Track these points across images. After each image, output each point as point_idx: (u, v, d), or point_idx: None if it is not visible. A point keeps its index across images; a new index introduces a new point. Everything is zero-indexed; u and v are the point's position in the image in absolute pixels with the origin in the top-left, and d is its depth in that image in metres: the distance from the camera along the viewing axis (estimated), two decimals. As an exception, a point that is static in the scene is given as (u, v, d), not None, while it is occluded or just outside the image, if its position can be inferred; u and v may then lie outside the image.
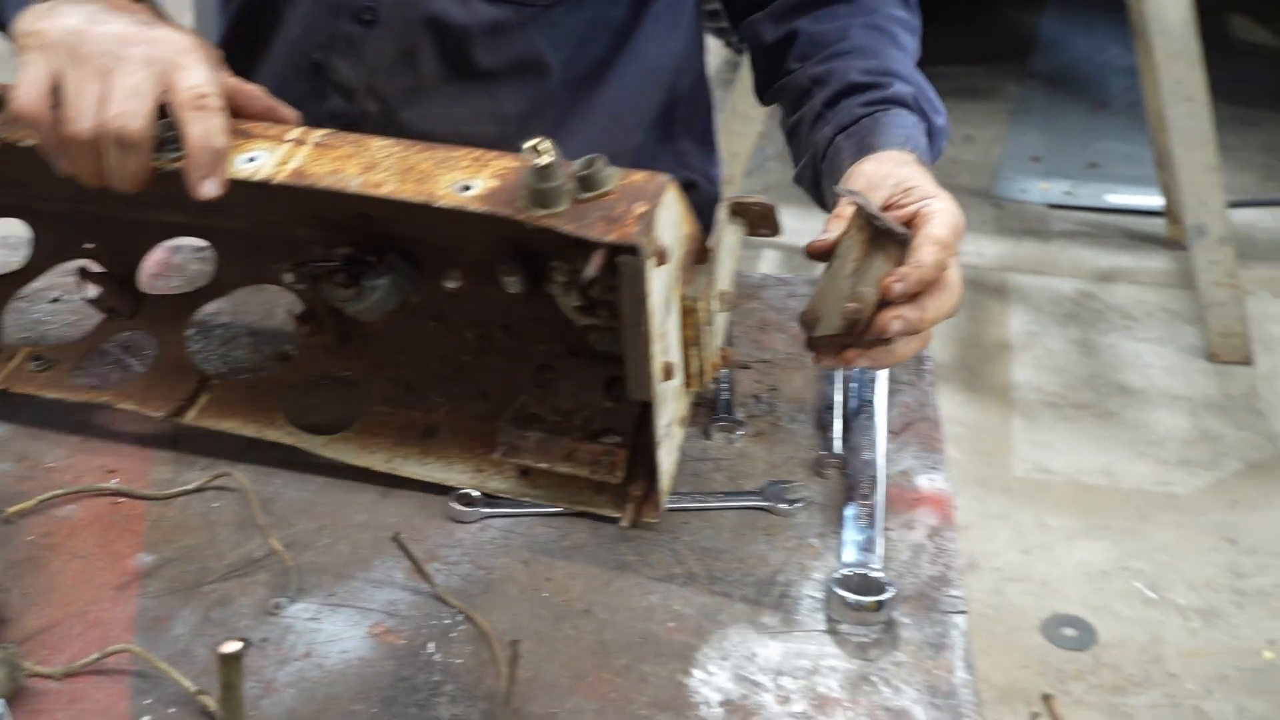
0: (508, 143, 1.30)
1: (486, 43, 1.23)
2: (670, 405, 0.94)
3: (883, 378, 1.13)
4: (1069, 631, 2.51)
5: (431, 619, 0.90)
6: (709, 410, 1.10)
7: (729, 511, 1.00)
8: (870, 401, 1.10)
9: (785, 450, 1.07)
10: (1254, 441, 3.12)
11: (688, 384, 0.97)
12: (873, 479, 1.01)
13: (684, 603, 0.92)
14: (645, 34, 1.29)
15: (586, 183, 0.86)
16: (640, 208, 0.85)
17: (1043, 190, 4.47)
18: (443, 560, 0.96)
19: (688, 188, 1.40)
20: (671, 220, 0.89)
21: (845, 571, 0.91)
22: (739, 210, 0.99)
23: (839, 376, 1.12)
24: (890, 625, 0.89)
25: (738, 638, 0.88)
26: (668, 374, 0.91)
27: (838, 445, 1.06)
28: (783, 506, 1.00)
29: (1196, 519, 2.84)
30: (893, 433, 1.08)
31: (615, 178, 0.88)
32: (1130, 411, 3.24)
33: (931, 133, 1.12)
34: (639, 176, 0.89)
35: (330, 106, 1.26)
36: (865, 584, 0.90)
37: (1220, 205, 3.29)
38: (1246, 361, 3.38)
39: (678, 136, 1.40)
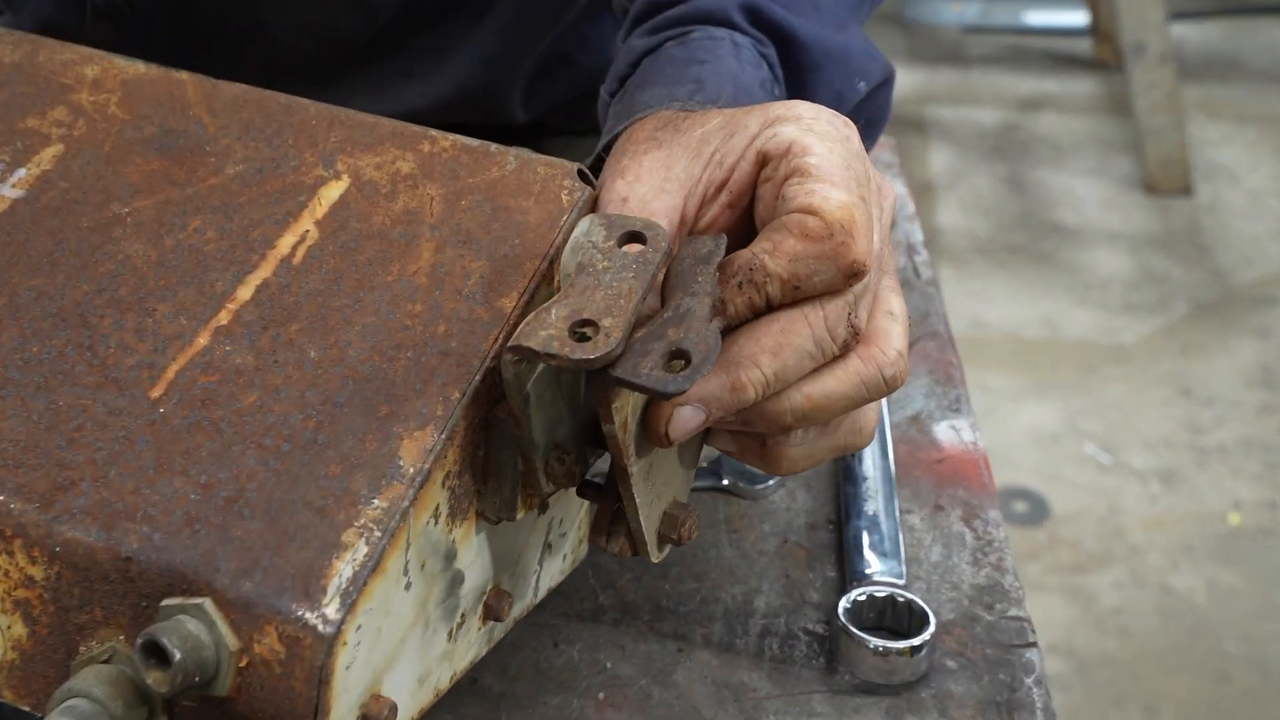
0: (374, 49, 0.84)
1: None
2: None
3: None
4: (1020, 506, 2.28)
5: None
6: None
7: (673, 497, 0.69)
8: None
9: (744, 393, 0.75)
10: (1201, 279, 2.89)
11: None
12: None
13: (618, 654, 0.61)
14: None
15: (201, 688, 0.46)
16: None
17: (955, 12, 4.15)
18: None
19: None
20: (370, 656, 0.48)
21: (858, 594, 0.61)
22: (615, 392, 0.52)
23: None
24: (929, 675, 0.59)
25: (705, 707, 0.58)
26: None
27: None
28: (751, 486, 0.69)
29: (1147, 370, 2.62)
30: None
31: (228, 668, 0.45)
32: (1067, 253, 2.98)
33: (788, 65, 0.62)
34: (274, 640, 0.45)
35: None
36: (891, 612, 0.60)
37: (1161, 19, 3.00)
38: (1187, 191, 3.14)
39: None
